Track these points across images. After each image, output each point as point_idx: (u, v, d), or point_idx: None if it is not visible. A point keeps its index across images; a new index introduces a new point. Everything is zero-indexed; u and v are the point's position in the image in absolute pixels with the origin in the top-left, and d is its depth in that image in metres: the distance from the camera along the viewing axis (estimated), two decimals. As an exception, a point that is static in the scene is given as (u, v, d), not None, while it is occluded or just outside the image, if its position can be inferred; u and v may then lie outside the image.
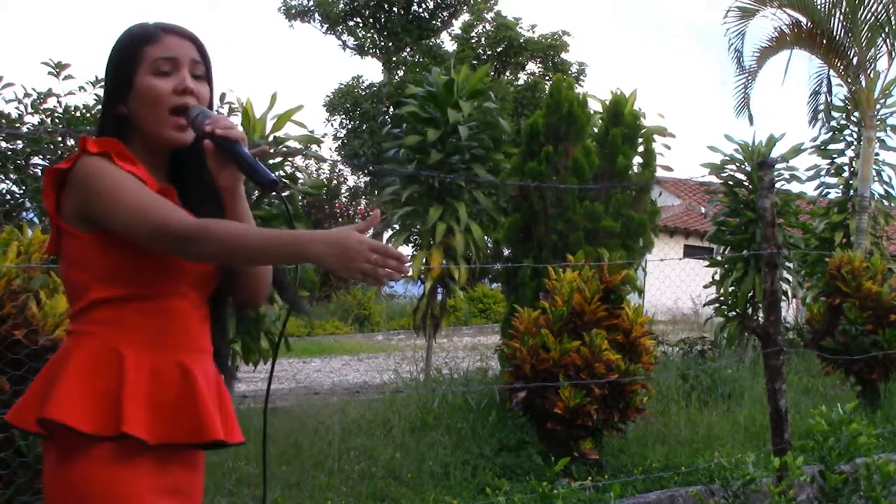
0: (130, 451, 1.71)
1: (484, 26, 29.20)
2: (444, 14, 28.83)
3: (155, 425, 1.72)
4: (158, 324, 1.77)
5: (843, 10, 10.55)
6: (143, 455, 1.72)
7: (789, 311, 10.55)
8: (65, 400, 1.71)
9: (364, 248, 1.59)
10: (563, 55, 28.74)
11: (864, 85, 10.81)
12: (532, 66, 29.34)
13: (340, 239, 1.60)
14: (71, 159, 1.78)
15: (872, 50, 10.69)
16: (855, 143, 11.64)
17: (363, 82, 28.60)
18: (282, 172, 6.69)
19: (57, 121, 6.73)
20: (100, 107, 6.67)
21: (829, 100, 11.76)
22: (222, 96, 7.00)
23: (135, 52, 1.83)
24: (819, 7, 10.66)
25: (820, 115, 11.78)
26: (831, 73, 11.45)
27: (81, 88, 6.79)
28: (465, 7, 28.67)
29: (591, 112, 6.74)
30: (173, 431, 1.74)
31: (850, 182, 11.60)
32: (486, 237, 8.20)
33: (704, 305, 10.69)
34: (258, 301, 2.00)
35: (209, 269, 1.85)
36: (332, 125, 28.70)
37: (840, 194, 11.82)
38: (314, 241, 1.61)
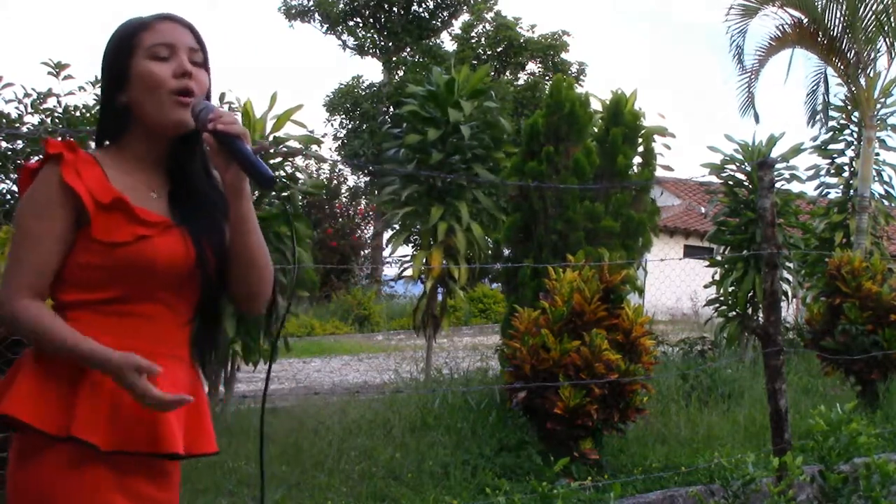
0: (86, 455, 1.69)
1: (484, 26, 29.21)
2: (444, 14, 28.83)
3: (110, 431, 1.70)
4: (127, 328, 1.75)
5: (842, 10, 10.55)
6: (101, 459, 1.70)
7: (789, 311, 10.55)
8: (20, 396, 1.70)
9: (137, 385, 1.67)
10: (563, 55, 28.75)
11: (864, 85, 10.81)
12: (532, 66, 29.36)
13: (116, 371, 1.67)
14: (40, 161, 1.79)
15: (872, 49, 10.69)
16: (855, 143, 11.64)
17: (363, 82, 28.61)
18: (282, 172, 6.69)
19: (57, 121, 6.73)
20: (99, 107, 6.71)
21: (826, 99, 11.77)
22: (222, 96, 7.00)
23: (130, 39, 1.82)
24: (818, 6, 10.66)
25: (818, 115, 11.78)
26: (831, 72, 11.46)
27: (81, 88, 6.79)
28: (465, 7, 28.67)
29: (592, 112, 6.74)
30: (129, 439, 1.71)
31: (850, 182, 11.60)
32: (486, 237, 8.19)
33: (704, 305, 10.69)
34: (255, 307, 1.94)
35: (189, 275, 1.81)
36: (332, 125, 28.73)
37: (840, 194, 11.82)
38: (103, 365, 1.68)
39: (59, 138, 6.09)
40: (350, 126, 28.07)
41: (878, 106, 10.98)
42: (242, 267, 1.86)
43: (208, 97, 1.88)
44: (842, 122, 11.74)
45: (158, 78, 1.79)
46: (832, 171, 11.91)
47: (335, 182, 23.23)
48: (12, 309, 1.71)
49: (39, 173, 1.78)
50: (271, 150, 6.64)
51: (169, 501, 1.84)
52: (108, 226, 1.74)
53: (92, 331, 1.73)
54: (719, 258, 10.39)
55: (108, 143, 1.89)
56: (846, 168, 11.83)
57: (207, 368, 1.93)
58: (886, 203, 11.85)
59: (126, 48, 1.82)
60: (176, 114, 1.79)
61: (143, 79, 1.79)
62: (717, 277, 10.10)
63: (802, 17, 10.86)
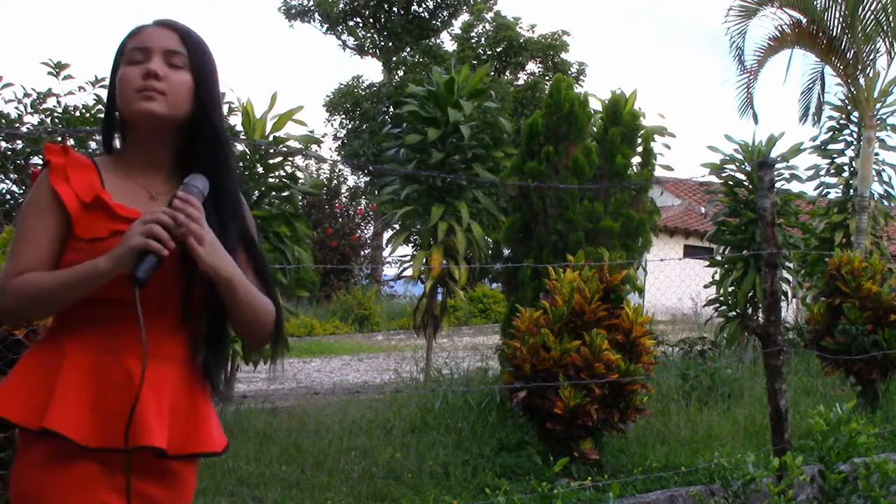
0: (69, 451, 1.71)
1: (484, 26, 29.23)
2: (444, 14, 28.84)
3: (89, 427, 1.71)
4: (112, 327, 1.76)
5: (841, 10, 10.55)
6: (86, 455, 1.71)
7: (789, 311, 10.55)
8: (5, 391, 1.75)
9: (136, 223, 1.70)
10: (563, 55, 28.77)
11: (863, 84, 10.81)
12: (532, 66, 29.38)
13: (125, 234, 1.70)
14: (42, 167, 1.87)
15: (871, 49, 10.69)
16: (855, 142, 11.64)
17: (363, 82, 28.63)
18: (282, 172, 6.70)
19: (56, 121, 6.73)
20: (99, 106, 6.72)
21: (821, 97, 11.78)
22: (222, 96, 6.99)
23: (120, 47, 1.90)
24: (818, 6, 10.66)
25: (811, 113, 11.79)
26: (829, 71, 11.46)
27: (81, 88, 6.80)
28: (465, 7, 28.68)
29: (592, 111, 6.74)
30: (111, 436, 1.72)
31: (850, 182, 11.61)
32: (486, 237, 8.19)
33: (704, 305, 10.70)
34: (254, 347, 1.99)
35: (176, 276, 1.80)
36: (332, 125, 28.76)
37: (840, 194, 11.83)
38: (108, 252, 1.71)
39: (59, 139, 6.10)
40: (350, 126, 28.08)
41: (878, 106, 10.99)
42: (237, 322, 1.89)
43: (206, 94, 1.89)
44: (841, 121, 11.74)
45: (127, 79, 1.84)
46: (832, 171, 11.92)
47: (335, 182, 23.24)
48: (7, 288, 1.76)
49: (38, 178, 1.87)
50: (272, 150, 6.65)
51: (174, 501, 1.84)
52: (89, 224, 1.78)
53: (80, 329, 1.76)
54: (719, 258, 10.40)
55: (119, 147, 1.94)
56: (846, 168, 11.83)
57: (214, 371, 1.91)
58: (886, 203, 11.86)
59: (117, 56, 1.90)
60: (139, 104, 1.83)
61: (119, 83, 1.86)
62: (717, 277, 10.10)
63: (801, 17, 10.87)
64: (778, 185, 9.57)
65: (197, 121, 1.88)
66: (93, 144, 6.52)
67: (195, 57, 1.88)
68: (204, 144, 1.88)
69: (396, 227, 8.88)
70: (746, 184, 9.92)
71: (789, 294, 10.15)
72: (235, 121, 6.81)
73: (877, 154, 11.25)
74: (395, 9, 28.25)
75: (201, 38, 1.93)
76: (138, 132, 1.87)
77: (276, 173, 6.68)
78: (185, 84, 1.86)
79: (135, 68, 1.84)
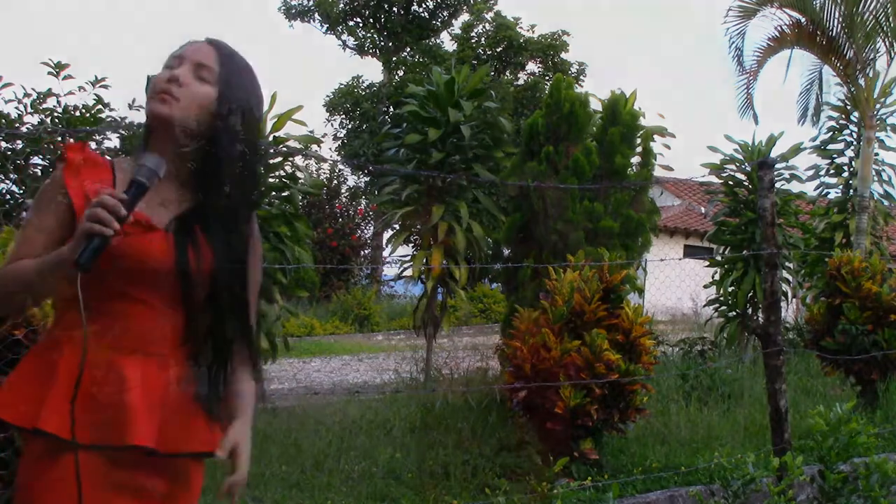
0: (61, 449, 1.72)
1: (484, 26, 29.21)
2: (444, 14, 28.83)
3: (80, 425, 1.72)
4: (103, 325, 1.77)
5: (841, 11, 10.55)
6: (79, 452, 1.72)
7: (789, 311, 10.55)
8: (5, 392, 1.78)
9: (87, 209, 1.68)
10: (563, 55, 28.75)
11: (863, 85, 10.82)
12: (532, 66, 29.36)
13: (79, 231, 1.68)
14: None
15: (871, 49, 10.69)
16: (854, 142, 11.64)
17: (363, 82, 28.62)
18: (282, 172, 6.70)
19: (56, 121, 6.73)
20: (99, 106, 6.72)
21: (820, 97, 11.78)
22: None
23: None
24: (817, 6, 10.67)
25: (810, 113, 11.81)
26: (829, 71, 11.47)
27: (81, 88, 6.81)
28: (464, 7, 28.67)
29: (592, 111, 6.73)
30: (102, 433, 1.74)
31: (850, 182, 11.61)
32: (486, 237, 8.19)
33: (704, 305, 10.69)
34: None
35: (168, 272, 1.81)
36: (332, 125, 28.73)
37: (840, 194, 11.83)
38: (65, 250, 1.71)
39: (59, 139, 6.10)
40: (350, 126, 28.07)
41: (878, 106, 10.99)
42: None
43: (225, 111, 1.88)
44: (841, 122, 11.75)
45: (153, 81, 1.89)
46: (832, 171, 11.92)
47: (335, 182, 23.22)
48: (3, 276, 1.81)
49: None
50: (271, 150, 6.65)
51: (176, 494, 1.86)
52: None
53: (70, 326, 1.77)
54: (719, 258, 10.39)
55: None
56: (846, 168, 11.84)
57: (214, 379, 1.91)
58: (886, 203, 11.86)
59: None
60: (151, 104, 1.87)
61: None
62: (717, 277, 10.10)
63: (801, 17, 10.87)
64: (778, 185, 9.57)
65: (215, 136, 1.88)
66: (93, 144, 6.53)
67: (224, 74, 1.90)
68: (214, 159, 1.88)
69: (396, 227, 8.87)
70: (746, 184, 9.92)
71: (789, 294, 10.15)
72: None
73: (877, 154, 11.26)
74: (395, 9, 28.24)
75: (244, 63, 1.96)
76: (154, 134, 1.90)
77: (276, 173, 6.68)
78: (204, 96, 1.88)
79: (164, 73, 1.88)
